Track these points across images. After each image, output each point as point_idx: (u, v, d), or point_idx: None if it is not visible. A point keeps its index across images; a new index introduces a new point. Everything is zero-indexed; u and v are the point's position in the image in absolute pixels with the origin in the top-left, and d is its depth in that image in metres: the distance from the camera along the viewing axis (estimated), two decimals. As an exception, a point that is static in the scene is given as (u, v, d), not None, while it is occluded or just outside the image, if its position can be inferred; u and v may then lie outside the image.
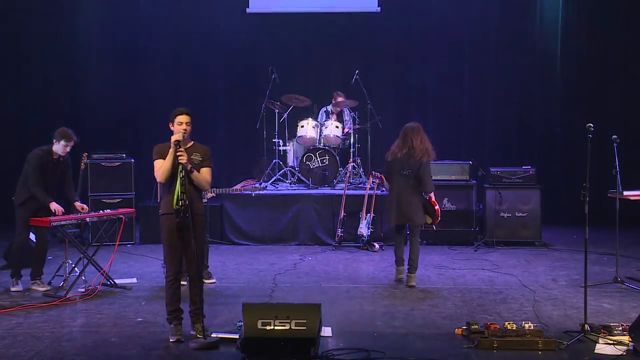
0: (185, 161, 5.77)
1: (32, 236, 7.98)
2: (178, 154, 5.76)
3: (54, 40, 11.83)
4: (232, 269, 8.53)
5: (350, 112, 11.11)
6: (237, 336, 5.78)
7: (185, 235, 5.84)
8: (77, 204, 7.68)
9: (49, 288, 7.49)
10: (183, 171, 5.77)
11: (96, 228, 8.71)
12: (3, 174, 10.62)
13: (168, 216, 5.87)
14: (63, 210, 7.50)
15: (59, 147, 7.47)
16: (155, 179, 5.99)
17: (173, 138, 5.83)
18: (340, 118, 10.99)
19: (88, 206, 7.93)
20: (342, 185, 10.22)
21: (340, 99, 10.93)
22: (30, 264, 7.60)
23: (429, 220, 7.87)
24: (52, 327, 6.24)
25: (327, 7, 12.04)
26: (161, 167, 5.83)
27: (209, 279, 7.74)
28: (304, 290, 7.50)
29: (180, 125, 5.88)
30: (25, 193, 7.45)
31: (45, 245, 7.70)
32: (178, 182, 5.76)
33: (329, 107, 11.12)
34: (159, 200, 7.72)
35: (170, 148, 5.83)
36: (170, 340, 5.85)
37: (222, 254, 9.28)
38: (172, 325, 5.94)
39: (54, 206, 7.42)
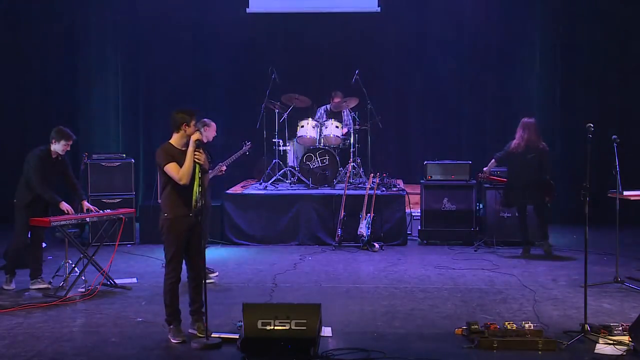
0: (203, 162, 5.81)
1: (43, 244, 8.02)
2: (196, 154, 5.78)
3: (54, 40, 11.81)
4: (232, 269, 8.53)
5: (349, 113, 11.11)
6: (237, 336, 5.79)
7: (194, 235, 5.91)
8: (85, 204, 7.67)
9: (49, 287, 7.49)
10: (201, 172, 5.80)
11: (96, 228, 8.70)
12: (3, 174, 10.61)
13: (180, 218, 5.88)
14: (73, 211, 7.51)
15: (59, 147, 7.48)
16: (156, 178, 6.03)
17: (194, 137, 5.85)
18: (339, 118, 10.99)
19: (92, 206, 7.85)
20: (342, 185, 10.22)
21: (337, 100, 10.96)
22: (26, 264, 7.61)
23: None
24: (52, 327, 6.25)
25: (327, 7, 12.03)
26: (184, 169, 5.79)
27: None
28: (304, 290, 7.51)
29: (193, 127, 5.95)
30: (28, 195, 7.43)
31: (41, 244, 7.72)
32: (196, 183, 5.79)
33: (329, 106, 11.15)
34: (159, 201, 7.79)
35: (174, 149, 5.89)
36: (174, 341, 5.84)
37: (222, 254, 9.28)
38: (172, 327, 5.94)
39: (65, 206, 7.43)
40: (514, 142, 9.10)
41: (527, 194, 9.05)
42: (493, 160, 9.37)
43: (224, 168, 8.44)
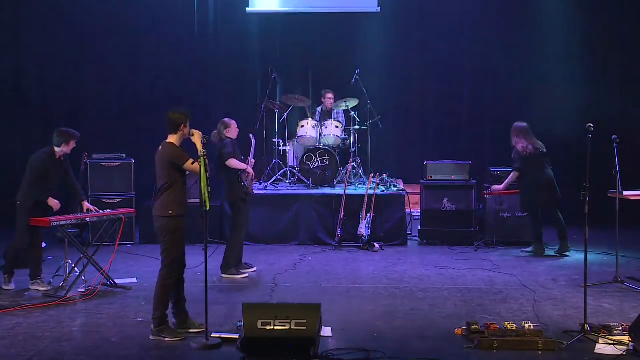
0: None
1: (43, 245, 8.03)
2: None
3: (54, 40, 11.81)
4: (232, 269, 8.53)
5: (343, 112, 11.09)
6: (237, 336, 5.79)
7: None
8: (86, 204, 7.69)
9: (49, 288, 7.49)
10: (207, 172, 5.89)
11: (96, 228, 8.70)
12: (4, 174, 10.61)
13: (183, 217, 6.00)
14: (60, 205, 7.52)
15: (68, 148, 7.53)
16: (155, 178, 6.05)
17: (199, 145, 5.94)
18: (331, 117, 10.97)
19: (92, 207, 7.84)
20: (342, 185, 10.22)
21: (329, 96, 10.99)
22: (25, 265, 7.60)
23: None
24: (52, 327, 6.25)
25: (327, 7, 12.02)
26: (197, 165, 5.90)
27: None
28: (304, 290, 7.51)
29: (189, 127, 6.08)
30: (33, 197, 7.45)
31: (41, 244, 7.73)
32: (204, 182, 5.82)
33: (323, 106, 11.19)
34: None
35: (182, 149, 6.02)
36: (176, 340, 5.87)
37: (222, 254, 9.25)
38: (163, 327, 5.94)
39: (52, 202, 7.46)
40: (520, 146, 9.03)
41: (547, 194, 9.06)
42: (514, 173, 9.12)
43: (254, 160, 8.53)
